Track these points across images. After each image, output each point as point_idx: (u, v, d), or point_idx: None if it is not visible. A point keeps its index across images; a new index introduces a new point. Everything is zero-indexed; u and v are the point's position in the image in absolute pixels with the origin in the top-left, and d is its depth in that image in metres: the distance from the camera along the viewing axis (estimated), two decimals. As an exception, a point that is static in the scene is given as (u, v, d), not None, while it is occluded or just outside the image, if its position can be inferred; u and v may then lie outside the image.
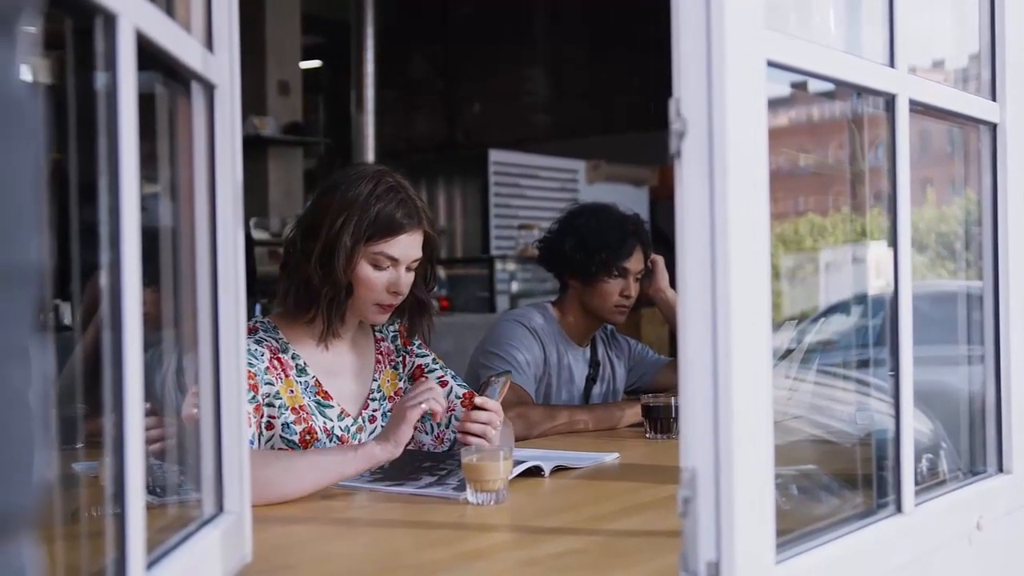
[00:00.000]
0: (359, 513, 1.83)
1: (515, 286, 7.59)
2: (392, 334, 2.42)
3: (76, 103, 1.06)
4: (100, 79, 1.02)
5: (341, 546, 1.67)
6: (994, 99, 1.81)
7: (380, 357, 2.38)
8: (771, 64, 1.26)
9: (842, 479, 1.74)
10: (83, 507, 1.33)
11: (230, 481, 1.38)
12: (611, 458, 2.34)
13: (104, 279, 1.01)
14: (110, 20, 1.00)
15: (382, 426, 2.29)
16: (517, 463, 2.03)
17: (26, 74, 0.60)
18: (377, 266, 2.19)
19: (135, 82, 1.03)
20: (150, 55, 1.11)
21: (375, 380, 2.35)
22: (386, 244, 2.18)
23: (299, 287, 2.20)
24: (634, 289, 3.01)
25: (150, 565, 1.08)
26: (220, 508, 1.37)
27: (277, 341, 2.21)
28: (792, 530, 1.33)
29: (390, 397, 2.36)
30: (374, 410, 2.32)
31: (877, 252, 1.95)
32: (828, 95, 1.77)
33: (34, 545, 0.60)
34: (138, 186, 1.03)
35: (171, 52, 1.17)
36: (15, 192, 0.56)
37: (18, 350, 0.57)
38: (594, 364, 3.15)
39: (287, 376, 2.19)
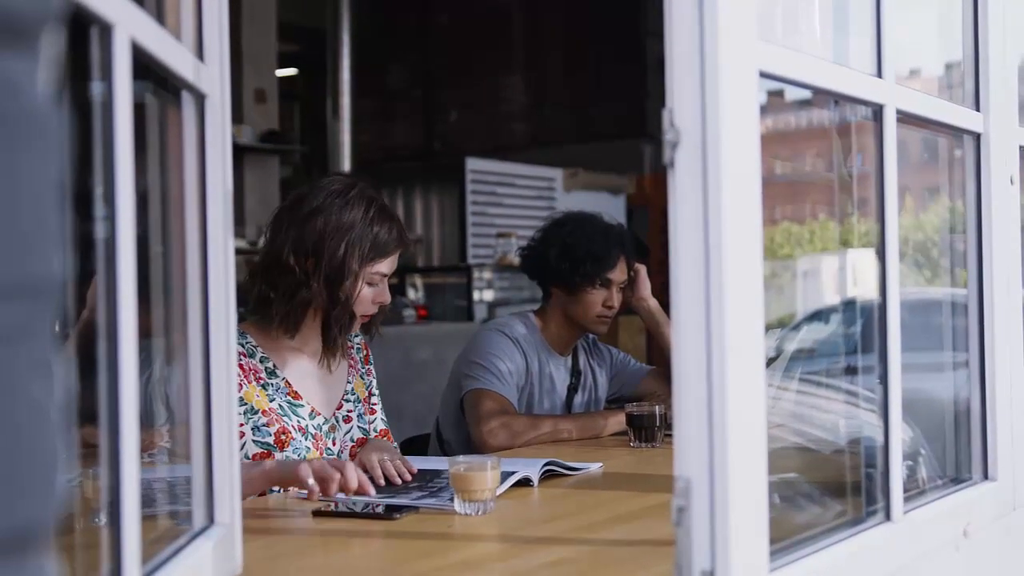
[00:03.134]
0: (349, 525, 1.82)
1: (493, 294, 7.58)
2: (357, 346, 2.50)
3: (69, 112, 1.05)
4: (95, 88, 1.01)
5: (331, 558, 1.66)
6: (978, 109, 1.83)
7: (352, 362, 2.46)
8: (763, 75, 1.27)
9: (829, 487, 1.75)
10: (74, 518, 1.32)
11: (221, 493, 1.37)
12: (596, 467, 2.35)
13: (99, 289, 1.00)
14: (106, 30, 0.99)
15: (358, 426, 2.40)
16: (505, 475, 2.03)
17: (48, 86, 0.60)
18: (370, 284, 2.29)
19: (131, 91, 1.02)
20: (142, 64, 1.11)
21: (349, 382, 2.42)
22: (383, 264, 2.29)
23: (298, 308, 2.24)
24: (617, 299, 3.01)
25: (145, 578, 1.07)
26: (211, 520, 1.36)
27: (243, 345, 2.23)
28: (784, 538, 1.34)
29: (363, 400, 2.44)
30: (348, 410, 2.40)
31: (855, 260, 1.96)
32: (804, 104, 1.78)
33: (56, 558, 0.60)
34: (133, 196, 1.02)
35: (165, 62, 1.17)
36: (38, 205, 0.56)
37: (41, 364, 0.56)
38: (576, 373, 3.14)
39: (251, 382, 2.24)
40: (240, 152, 7.42)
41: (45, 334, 0.57)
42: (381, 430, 2.46)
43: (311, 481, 1.87)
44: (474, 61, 9.88)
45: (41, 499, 0.57)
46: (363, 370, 2.48)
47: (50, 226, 0.58)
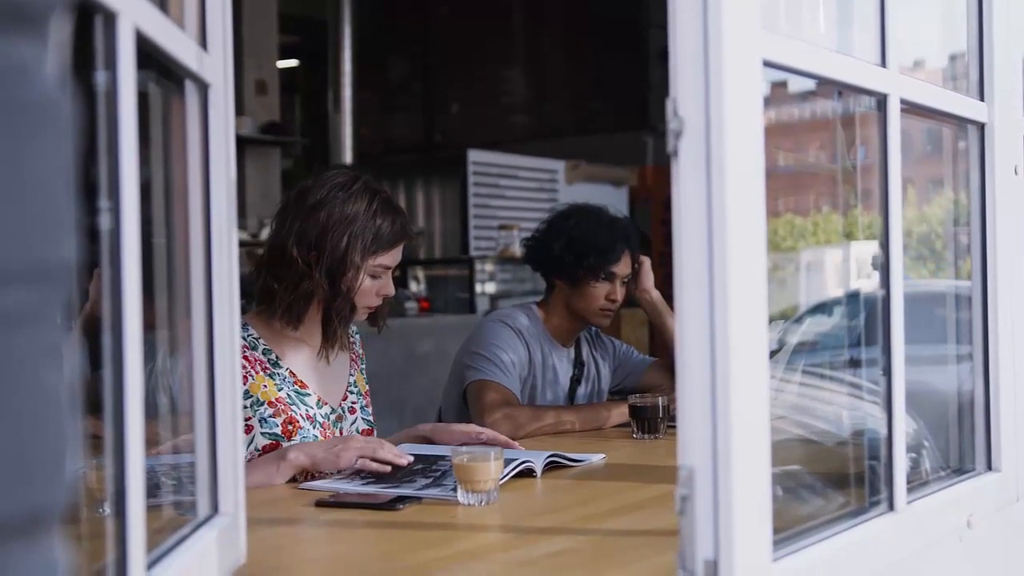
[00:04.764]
0: (352, 515, 1.82)
1: (495, 287, 7.58)
2: (357, 341, 2.53)
3: (75, 100, 1.05)
4: (99, 77, 1.01)
5: (335, 548, 1.66)
6: (982, 99, 1.82)
7: (354, 356, 2.48)
8: (767, 64, 1.26)
9: (833, 478, 1.75)
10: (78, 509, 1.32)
11: (225, 482, 1.37)
12: (598, 459, 2.35)
13: (104, 280, 1.00)
14: (110, 18, 0.99)
15: (362, 418, 2.43)
16: (508, 463, 2.03)
17: (58, 71, 0.60)
18: (373, 276, 2.30)
19: (135, 81, 1.02)
20: (145, 53, 1.11)
21: (351, 375, 2.45)
22: (386, 256, 2.30)
23: (301, 299, 2.26)
24: (620, 293, 3.01)
25: (150, 566, 1.07)
26: (215, 509, 1.36)
27: (245, 339, 2.24)
28: (788, 528, 1.34)
29: (364, 394, 2.47)
30: (352, 402, 2.43)
31: (859, 252, 1.96)
32: (808, 95, 1.78)
33: (65, 542, 0.60)
34: (138, 186, 1.02)
35: (168, 51, 1.17)
36: (49, 190, 0.56)
37: (51, 349, 0.57)
38: (579, 365, 3.14)
39: (258, 372, 2.24)
40: (241, 144, 7.42)
41: (55, 319, 0.57)
42: (363, 430, 2.45)
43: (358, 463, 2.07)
44: (475, 53, 9.88)
45: (51, 483, 0.57)
46: (362, 366, 2.52)
47: (61, 212, 0.58)
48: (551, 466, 2.20)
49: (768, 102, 1.54)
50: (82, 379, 1.03)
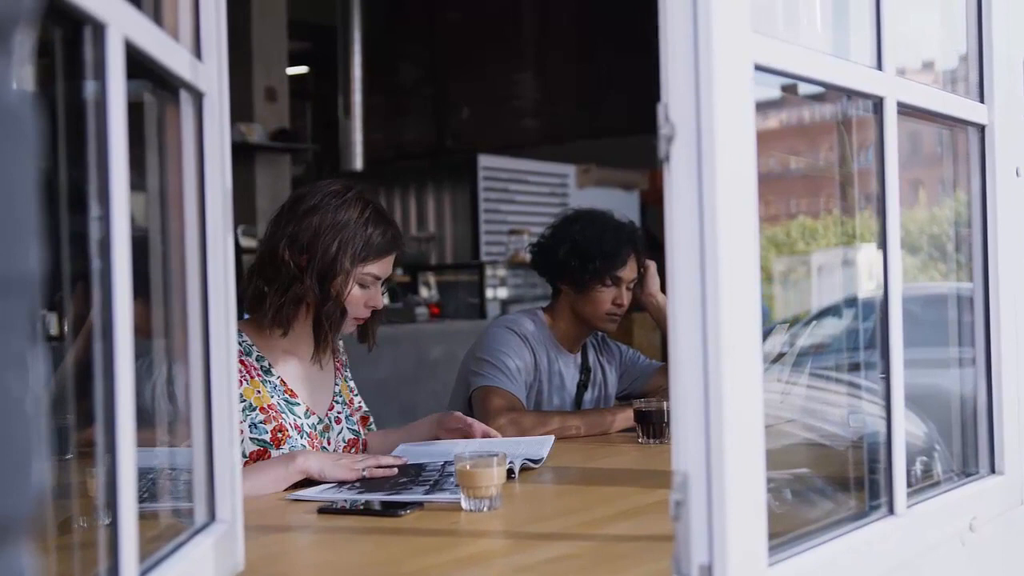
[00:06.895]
0: (353, 522, 1.82)
1: (505, 292, 7.57)
2: (341, 347, 2.55)
3: (64, 112, 1.06)
4: (89, 88, 1.02)
5: (333, 554, 1.66)
6: (982, 101, 1.82)
7: (338, 365, 2.50)
8: (759, 68, 1.26)
9: (835, 481, 1.74)
10: (74, 517, 1.33)
11: (222, 490, 1.37)
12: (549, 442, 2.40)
13: (95, 289, 1.01)
14: (99, 29, 1.00)
15: (347, 428, 2.45)
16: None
17: (22, 83, 0.60)
18: (362, 285, 2.32)
19: (124, 91, 1.03)
20: (138, 63, 1.11)
21: (336, 384, 2.47)
22: (375, 266, 2.32)
23: (290, 303, 2.28)
24: (626, 297, 3.01)
25: (143, 573, 1.07)
26: (212, 517, 1.36)
27: (240, 344, 2.26)
28: (785, 532, 1.34)
29: (348, 403, 2.49)
30: (338, 412, 2.45)
31: (868, 255, 1.96)
32: (817, 98, 1.78)
33: (32, 552, 0.60)
34: (128, 195, 1.03)
35: (160, 61, 1.17)
36: (13, 201, 0.56)
37: (16, 358, 0.57)
38: (585, 370, 3.14)
39: (252, 378, 2.27)
40: (251, 151, 7.43)
41: (22, 328, 0.58)
42: (362, 417, 2.51)
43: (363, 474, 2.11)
44: (484, 57, 9.87)
45: (16, 492, 0.57)
46: (346, 373, 2.54)
47: (26, 222, 0.58)
48: (526, 464, 2.25)
49: (779, 105, 1.54)
50: (87, 388, 1.03)
